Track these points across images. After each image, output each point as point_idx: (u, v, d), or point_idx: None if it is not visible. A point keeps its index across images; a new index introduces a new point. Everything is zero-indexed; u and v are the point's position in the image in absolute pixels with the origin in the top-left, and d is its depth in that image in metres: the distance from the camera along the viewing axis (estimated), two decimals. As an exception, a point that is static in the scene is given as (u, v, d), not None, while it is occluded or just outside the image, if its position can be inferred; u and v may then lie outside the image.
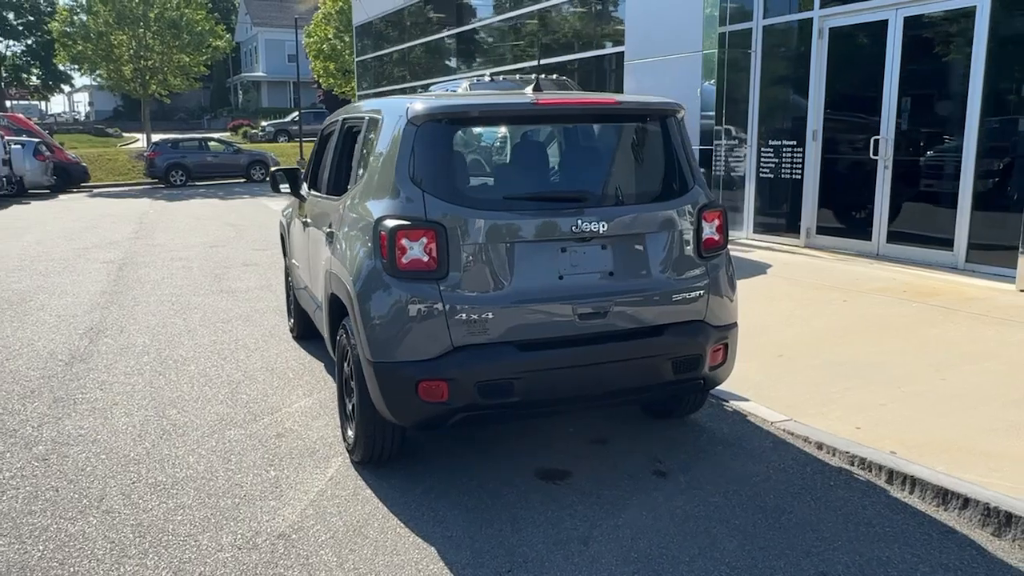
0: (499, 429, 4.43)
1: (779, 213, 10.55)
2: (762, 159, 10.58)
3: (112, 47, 31.19)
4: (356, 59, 25.45)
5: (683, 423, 4.56)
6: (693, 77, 10.82)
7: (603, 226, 3.59)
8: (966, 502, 3.44)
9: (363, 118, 4.32)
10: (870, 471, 3.89)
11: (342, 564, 3.15)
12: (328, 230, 4.26)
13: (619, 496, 3.69)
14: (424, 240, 3.45)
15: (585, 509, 3.57)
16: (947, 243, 8.46)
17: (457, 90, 10.70)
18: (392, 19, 22.31)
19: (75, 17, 32.98)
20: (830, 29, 9.59)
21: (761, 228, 10.72)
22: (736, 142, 10.85)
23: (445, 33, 18.72)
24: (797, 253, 9.72)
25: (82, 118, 59.59)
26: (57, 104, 68.23)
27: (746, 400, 4.83)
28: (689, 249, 3.85)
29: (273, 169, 5.40)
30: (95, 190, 26.52)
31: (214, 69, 54.02)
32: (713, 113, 10.68)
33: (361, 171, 4.05)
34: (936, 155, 8.61)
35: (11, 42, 49.22)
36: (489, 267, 3.50)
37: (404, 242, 3.45)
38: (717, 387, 4.97)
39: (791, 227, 10.27)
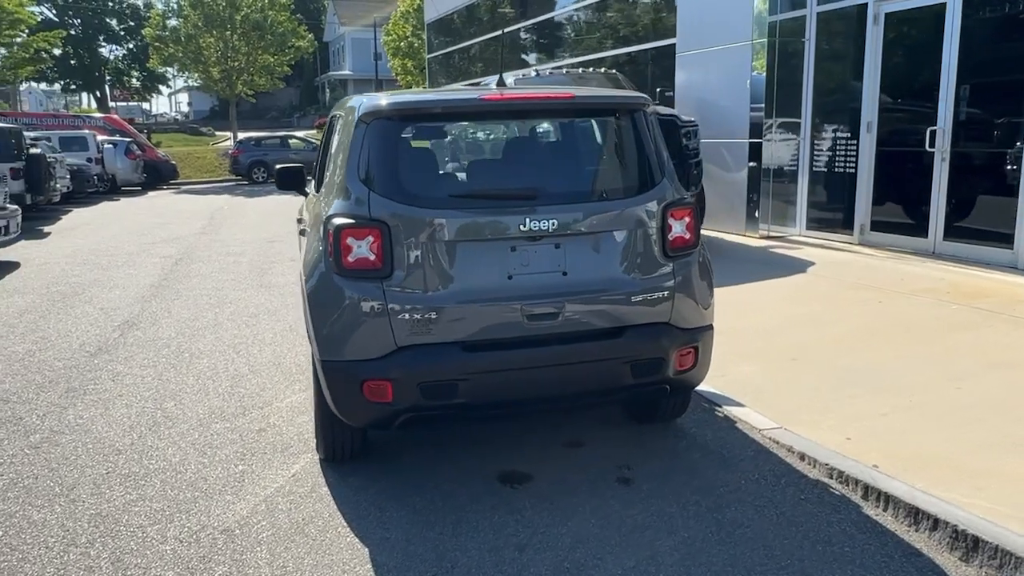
0: (472, 429, 4.37)
1: (833, 208, 10.08)
2: (815, 152, 10.14)
3: (200, 49, 32.44)
4: (428, 56, 25.70)
5: (666, 428, 4.40)
6: (743, 68, 10.45)
7: (553, 224, 3.47)
8: (936, 523, 3.19)
9: (338, 114, 4.33)
10: (847, 485, 3.65)
11: (272, 562, 3.16)
12: (301, 227, 4.29)
13: (574, 503, 3.57)
14: (370, 239, 3.42)
15: (534, 515, 3.47)
16: (1007, 240, 7.91)
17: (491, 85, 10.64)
18: (462, 14, 22.43)
19: (166, 22, 34.51)
20: (886, 14, 9.09)
21: (815, 224, 10.27)
22: (788, 135, 10.42)
23: (509, 28, 18.68)
24: (849, 251, 9.27)
25: (181, 118, 62.37)
26: (162, 104, 71.67)
27: (741, 406, 4.62)
28: (653, 248, 3.69)
29: (278, 167, 5.45)
30: (182, 187, 27.70)
31: (303, 68, 55.65)
32: (763, 105, 10.28)
33: (328, 169, 4.05)
34: (996, 146, 8.05)
35: (113, 47, 52.03)
36: (434, 266, 3.44)
37: (349, 241, 3.43)
38: (714, 392, 4.84)
39: (845, 223, 9.80)
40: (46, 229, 15.07)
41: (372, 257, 3.42)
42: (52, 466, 4.09)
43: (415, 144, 3.79)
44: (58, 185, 18.21)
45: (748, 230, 10.63)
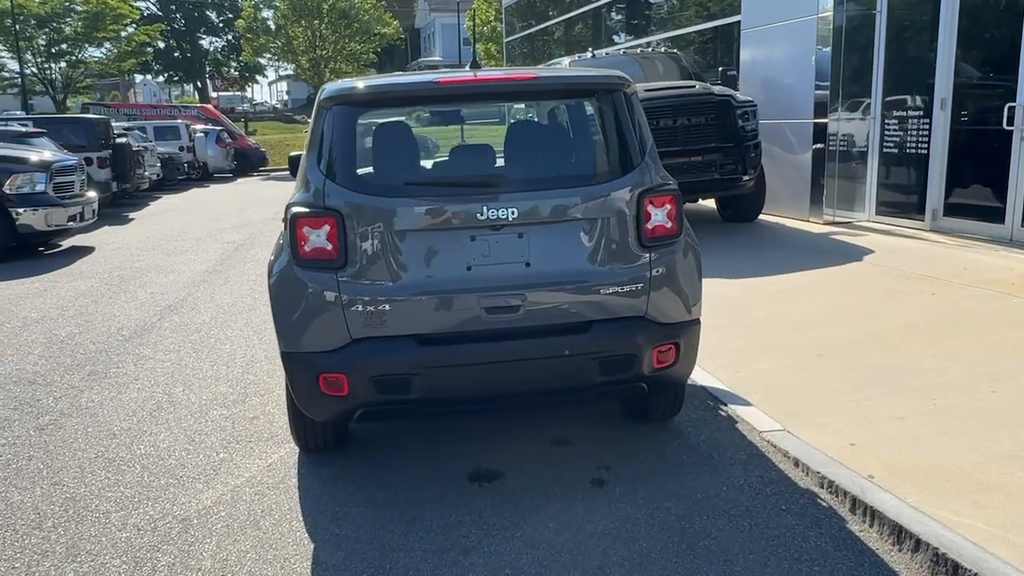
0: (458, 423, 4.25)
1: (904, 192, 9.44)
2: (886, 132, 9.50)
3: (290, 39, 33.32)
4: (505, 40, 25.57)
5: (661, 427, 4.16)
6: (808, 43, 9.88)
7: (513, 212, 3.30)
8: (918, 543, 2.88)
9: None
10: (836, 496, 3.35)
11: (216, 555, 3.13)
12: None
13: (538, 504, 3.41)
14: (326, 228, 3.34)
15: (492, 516, 3.33)
16: (1092, 227, 7.21)
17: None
18: (537, -2, 22.19)
19: (258, 14, 35.63)
20: (962, -17, 8.40)
21: (884, 209, 9.65)
22: (856, 114, 9.80)
23: (577, 11, 18.33)
24: (918, 238, 8.66)
25: (280, 106, 64.34)
26: (263, 94, 74.15)
27: (747, 404, 4.33)
28: (628, 237, 3.47)
29: (291, 155, 5.44)
30: (271, 174, 28.56)
31: (394, 55, 56.44)
32: (828, 82, 9.70)
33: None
34: (1082, 124, 7.33)
35: (213, 38, 54.08)
36: (389, 257, 3.32)
37: (305, 230, 3.35)
38: (723, 389, 4.56)
39: (917, 208, 9.16)
40: (131, 215, 15.78)
41: (328, 247, 3.34)
42: (48, 449, 4.20)
43: (374, 130, 3.67)
44: (146, 173, 19.06)
45: (812, 216, 10.08)
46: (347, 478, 3.71)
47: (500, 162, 3.58)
